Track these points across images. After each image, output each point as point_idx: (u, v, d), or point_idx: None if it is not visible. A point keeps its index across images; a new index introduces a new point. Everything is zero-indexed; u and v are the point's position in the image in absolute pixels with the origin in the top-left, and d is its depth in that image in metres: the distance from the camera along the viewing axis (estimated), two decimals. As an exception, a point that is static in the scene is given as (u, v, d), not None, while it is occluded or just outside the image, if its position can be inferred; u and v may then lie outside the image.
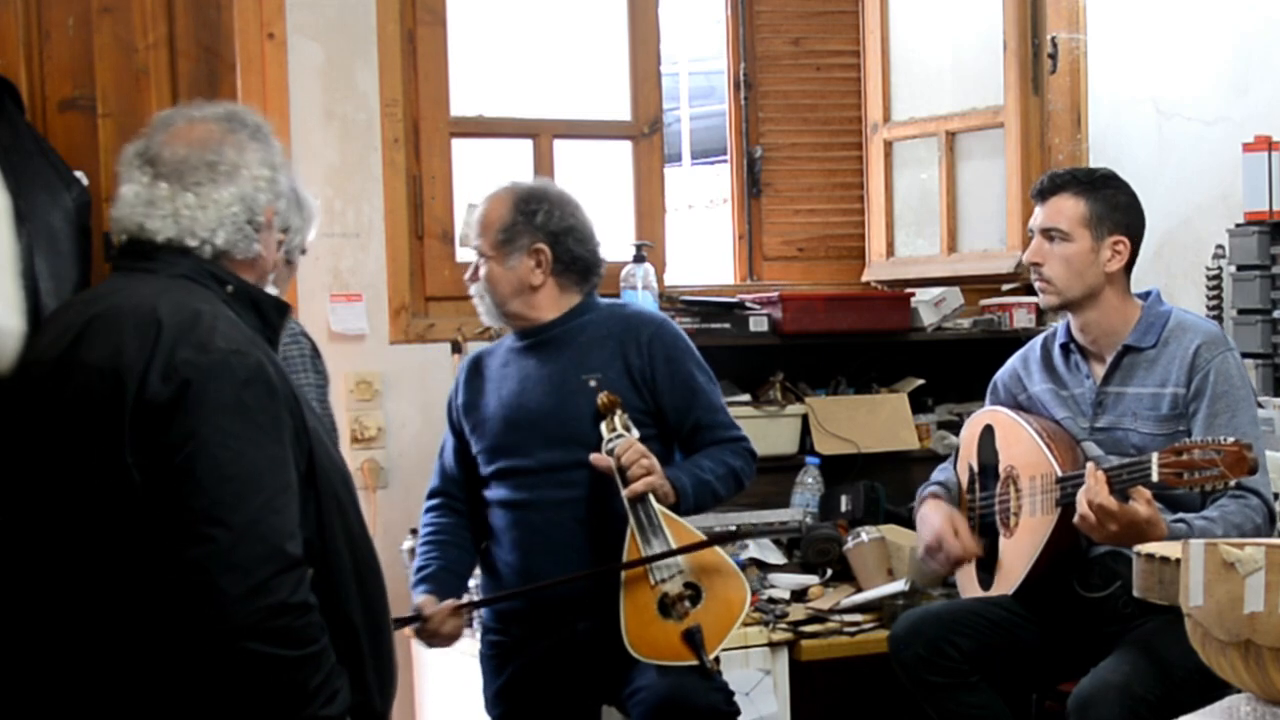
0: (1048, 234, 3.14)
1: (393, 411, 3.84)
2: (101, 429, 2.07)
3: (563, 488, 3.03)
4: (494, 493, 3.11)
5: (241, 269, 2.26)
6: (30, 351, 2.25)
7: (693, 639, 2.81)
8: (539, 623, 3.03)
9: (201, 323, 2.09)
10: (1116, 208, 3.14)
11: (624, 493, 2.90)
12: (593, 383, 3.04)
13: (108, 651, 2.08)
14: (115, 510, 2.06)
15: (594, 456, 2.94)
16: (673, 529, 2.91)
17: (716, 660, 2.86)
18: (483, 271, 3.10)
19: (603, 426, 2.98)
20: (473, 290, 3.15)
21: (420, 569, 3.12)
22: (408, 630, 3.05)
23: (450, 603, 3.04)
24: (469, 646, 3.24)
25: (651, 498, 2.91)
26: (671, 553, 2.87)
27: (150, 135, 2.27)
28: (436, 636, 3.05)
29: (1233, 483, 2.75)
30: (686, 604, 2.86)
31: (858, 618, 3.49)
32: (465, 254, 3.91)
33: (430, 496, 3.21)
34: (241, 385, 2.07)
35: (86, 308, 2.19)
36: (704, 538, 2.95)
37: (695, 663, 2.80)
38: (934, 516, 3.27)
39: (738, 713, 2.89)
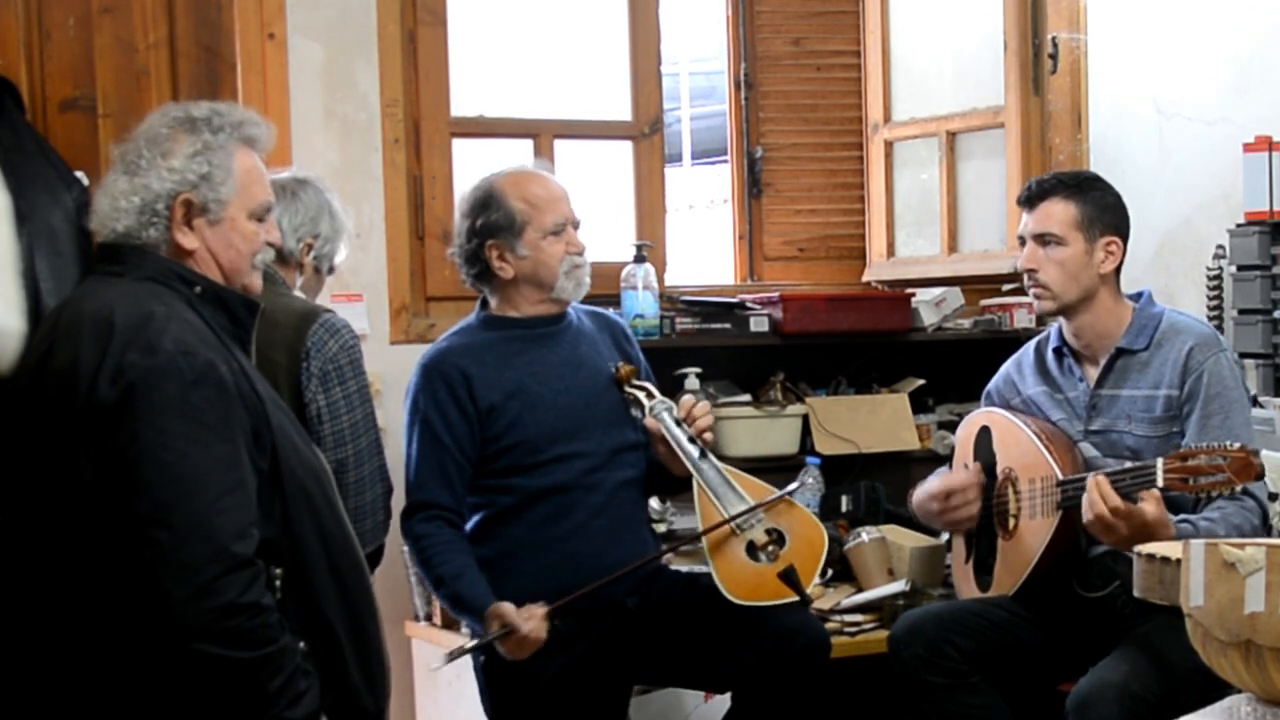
0: (1040, 239, 3.13)
1: (393, 411, 3.82)
2: (59, 433, 2.09)
3: (624, 469, 3.16)
4: (538, 480, 3.09)
5: (193, 262, 2.23)
6: (22, 357, 2.27)
7: (789, 577, 2.98)
8: (594, 608, 3.01)
9: (152, 324, 2.10)
10: (1106, 208, 3.14)
11: (691, 446, 3.07)
12: (613, 368, 3.20)
13: (70, 653, 2.09)
14: (74, 513, 2.07)
15: (647, 420, 3.11)
16: (737, 479, 3.09)
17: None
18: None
19: (640, 394, 3.15)
20: (582, 260, 3.17)
21: (471, 582, 2.99)
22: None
23: (541, 608, 2.92)
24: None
25: (711, 454, 3.10)
26: (757, 506, 3.04)
27: None
28: (529, 643, 2.92)
29: (1239, 488, 2.75)
30: (773, 547, 3.02)
31: (858, 618, 3.49)
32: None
33: (421, 508, 3.07)
34: (189, 386, 2.07)
35: (60, 313, 2.21)
36: (769, 487, 3.12)
37: (796, 599, 2.99)
38: (931, 482, 3.33)
39: None
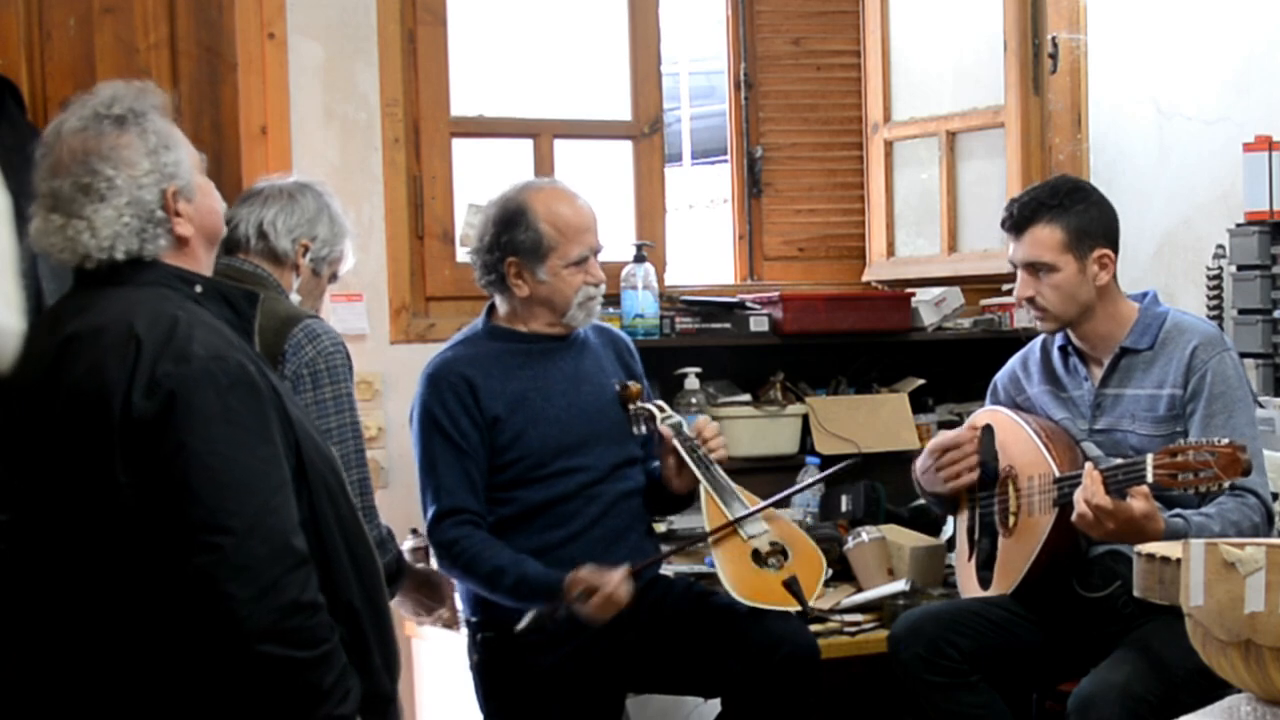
0: (1031, 268, 3.12)
1: (393, 411, 3.83)
2: (89, 450, 2.06)
3: (623, 481, 3.19)
4: (540, 492, 3.12)
5: (187, 254, 2.21)
6: (10, 377, 2.23)
7: (793, 587, 3.03)
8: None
9: (178, 332, 2.08)
10: (1091, 220, 3.11)
11: (700, 458, 3.12)
12: (617, 385, 3.23)
13: (116, 666, 2.08)
14: (110, 528, 2.06)
15: (662, 428, 3.15)
16: (741, 492, 3.14)
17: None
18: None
19: (649, 407, 3.19)
20: (597, 290, 3.19)
21: (534, 564, 3.01)
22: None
23: (624, 568, 2.95)
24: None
25: (718, 466, 3.15)
26: (761, 507, 3.12)
27: (41, 161, 2.22)
28: (614, 602, 2.94)
29: (1226, 484, 2.75)
30: (778, 558, 3.09)
31: (858, 618, 3.49)
32: (466, 254, 3.91)
33: (451, 514, 3.07)
34: (225, 390, 2.06)
35: (59, 327, 2.17)
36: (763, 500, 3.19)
37: (798, 608, 3.05)
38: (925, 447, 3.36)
39: None
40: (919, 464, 3.38)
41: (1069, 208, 3.10)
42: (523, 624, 2.95)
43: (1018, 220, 3.13)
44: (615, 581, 2.93)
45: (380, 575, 2.31)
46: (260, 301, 2.32)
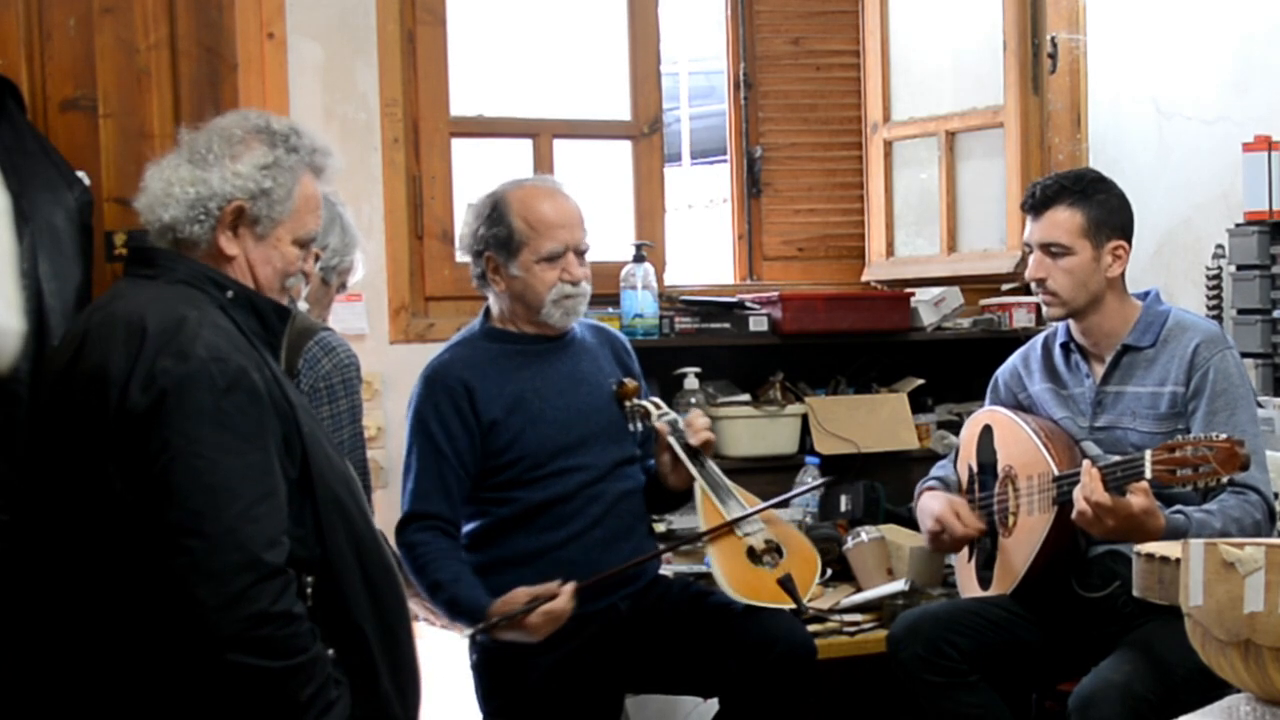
0: (1047, 249, 3.12)
1: (393, 411, 3.83)
2: (88, 438, 2.08)
3: (623, 480, 3.20)
4: (538, 493, 3.12)
5: (229, 268, 2.23)
6: (48, 360, 2.27)
7: (788, 585, 3.03)
8: (585, 606, 3.02)
9: (184, 330, 2.08)
10: (1112, 211, 3.13)
11: (694, 455, 3.12)
12: (613, 383, 3.23)
13: (99, 660, 2.08)
14: (101, 519, 2.06)
15: (658, 424, 3.15)
16: (736, 489, 3.15)
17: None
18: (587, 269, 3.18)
19: (645, 404, 3.20)
20: (585, 287, 3.15)
21: (470, 585, 2.99)
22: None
23: (571, 585, 2.91)
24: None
25: (712, 462, 3.16)
26: (758, 510, 3.12)
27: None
28: (556, 616, 2.91)
29: (1225, 479, 2.75)
30: (773, 556, 3.09)
31: (858, 618, 3.49)
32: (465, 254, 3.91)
33: (418, 518, 3.08)
34: (221, 393, 2.06)
35: (90, 316, 2.20)
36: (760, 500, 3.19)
37: (793, 606, 3.05)
38: (933, 503, 3.29)
39: None
40: (922, 504, 3.35)
41: (1091, 195, 3.12)
42: (467, 632, 2.97)
43: (1039, 201, 3.14)
44: (561, 597, 2.90)
45: (403, 600, 2.30)
46: (293, 319, 2.32)
